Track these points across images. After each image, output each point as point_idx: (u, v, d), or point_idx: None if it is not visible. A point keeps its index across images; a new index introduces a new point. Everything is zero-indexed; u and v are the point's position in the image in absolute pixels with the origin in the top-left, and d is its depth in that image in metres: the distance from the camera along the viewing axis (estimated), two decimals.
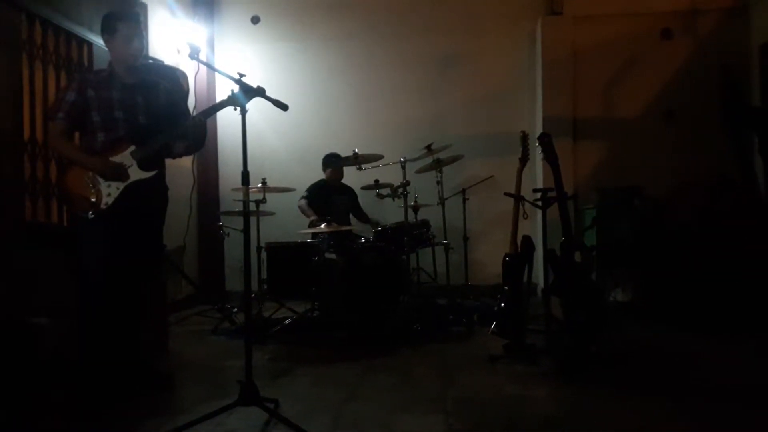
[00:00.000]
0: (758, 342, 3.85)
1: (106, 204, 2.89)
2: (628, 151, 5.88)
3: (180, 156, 3.19)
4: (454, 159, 5.09)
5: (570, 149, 5.82)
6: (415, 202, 4.93)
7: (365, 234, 5.04)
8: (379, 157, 4.97)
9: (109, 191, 2.91)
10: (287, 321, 4.51)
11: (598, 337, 3.40)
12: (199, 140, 3.12)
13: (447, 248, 5.11)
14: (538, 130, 5.61)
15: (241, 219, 2.74)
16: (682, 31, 5.91)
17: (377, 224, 5.13)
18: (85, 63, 4.34)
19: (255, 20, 6.54)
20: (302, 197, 5.15)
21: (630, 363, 3.53)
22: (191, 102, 5.24)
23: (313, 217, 4.88)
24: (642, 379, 3.19)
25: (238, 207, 4.95)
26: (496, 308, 3.69)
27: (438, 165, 5.04)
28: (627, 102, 5.98)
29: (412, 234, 4.68)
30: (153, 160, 3.02)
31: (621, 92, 5.99)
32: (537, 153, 3.76)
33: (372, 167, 4.91)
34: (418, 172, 5.15)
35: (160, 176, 3.13)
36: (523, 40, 6.25)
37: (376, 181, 4.91)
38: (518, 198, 3.80)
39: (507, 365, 3.45)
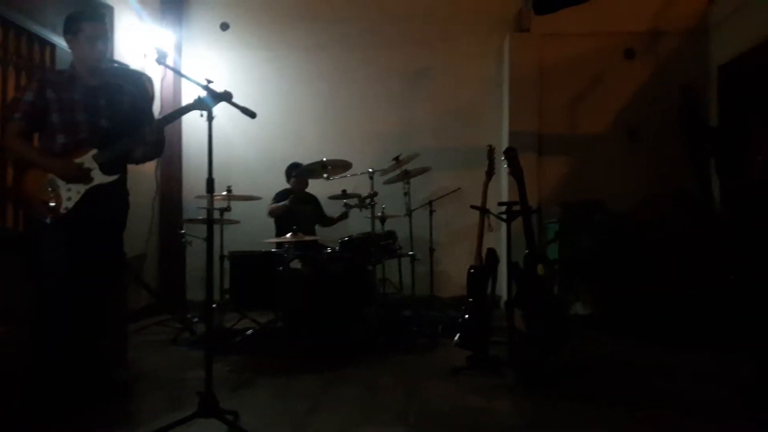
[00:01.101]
0: (715, 353, 3.94)
1: (66, 208, 2.82)
2: (591, 166, 6.01)
3: (140, 162, 3.12)
4: (422, 171, 5.12)
5: (535, 164, 5.92)
6: (382, 212, 4.93)
7: (331, 244, 5.02)
8: (348, 167, 4.97)
9: (69, 195, 2.84)
10: (249, 332, 4.45)
11: (560, 349, 3.44)
12: (157, 147, 3.07)
13: (413, 259, 5.12)
14: (505, 144, 5.70)
15: (204, 227, 2.69)
16: (644, 51, 6.10)
17: (346, 215, 5.14)
18: (48, 65, 4.24)
19: (224, 27, 6.40)
20: (271, 203, 5.12)
21: (591, 375, 3.58)
22: (157, 107, 5.15)
23: (284, 203, 4.89)
24: (602, 390, 3.24)
25: (202, 215, 4.86)
26: (460, 320, 3.70)
27: (406, 176, 5.06)
28: (590, 119, 6.12)
29: (379, 245, 4.68)
30: (115, 165, 2.96)
31: (585, 109, 6.14)
32: (503, 167, 3.81)
33: (340, 177, 4.89)
34: (386, 183, 5.16)
35: (122, 181, 3.07)
36: (492, 55, 6.35)
37: (344, 191, 4.90)
38: (484, 211, 3.84)
39: (470, 377, 3.47)
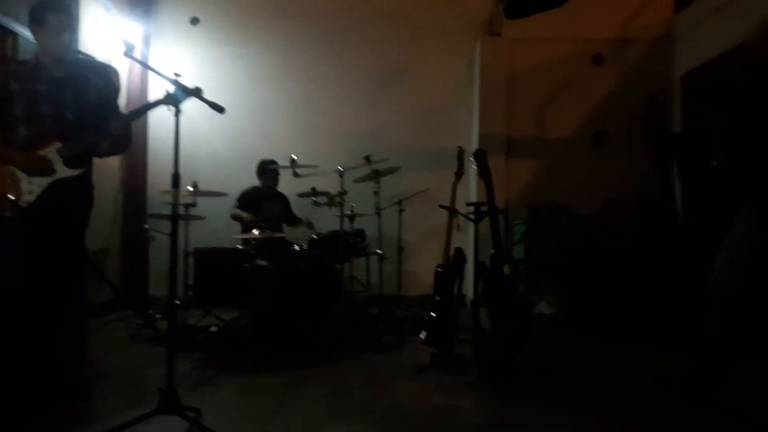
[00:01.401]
0: (675, 354, 4.02)
1: (27, 202, 2.75)
2: (558, 170, 6.11)
3: (105, 156, 3.05)
4: (392, 170, 5.13)
5: (503, 166, 5.98)
6: (352, 211, 4.93)
7: (299, 242, 4.99)
8: (317, 166, 4.95)
9: (31, 188, 2.76)
10: (213, 329, 4.40)
11: (524, 348, 3.49)
12: (124, 141, 3.01)
13: (381, 258, 5.13)
14: (474, 146, 5.75)
15: (168, 222, 2.65)
16: (612, 57, 6.21)
17: (309, 224, 5.13)
18: (10, 54, 4.12)
19: (194, 21, 6.39)
20: (233, 206, 5.05)
21: (553, 374, 3.64)
22: (123, 100, 5.05)
23: (247, 217, 4.79)
24: (565, 389, 3.29)
25: (167, 210, 4.75)
26: (426, 318, 3.73)
27: (375, 176, 5.06)
28: (558, 123, 6.21)
29: (347, 243, 4.68)
30: (80, 158, 2.89)
31: (553, 113, 6.23)
32: (472, 168, 3.85)
33: (309, 175, 4.87)
34: (356, 181, 5.16)
35: (87, 175, 3.00)
36: (463, 58, 6.39)
37: (313, 189, 4.88)
38: (452, 211, 3.87)
39: (435, 375, 3.49)
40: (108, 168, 5.50)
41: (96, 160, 3.08)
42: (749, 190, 2.79)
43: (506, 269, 3.66)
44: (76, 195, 2.94)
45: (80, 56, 3.29)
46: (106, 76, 3.10)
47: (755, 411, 2.88)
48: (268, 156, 5.25)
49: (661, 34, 6.17)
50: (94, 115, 2.89)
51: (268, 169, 5.15)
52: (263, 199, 5.14)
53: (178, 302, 4.07)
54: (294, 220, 5.39)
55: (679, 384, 2.97)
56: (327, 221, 5.31)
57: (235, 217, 5.01)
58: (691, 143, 5.67)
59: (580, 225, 5.28)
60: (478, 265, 3.65)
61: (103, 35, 5.49)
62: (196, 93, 2.49)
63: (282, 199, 5.38)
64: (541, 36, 6.14)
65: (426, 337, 3.64)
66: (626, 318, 4.60)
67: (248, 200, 5.08)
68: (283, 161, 4.91)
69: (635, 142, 5.94)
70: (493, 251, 3.59)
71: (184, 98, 2.47)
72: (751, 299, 2.71)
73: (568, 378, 3.58)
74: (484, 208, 3.73)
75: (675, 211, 5.80)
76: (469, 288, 4.56)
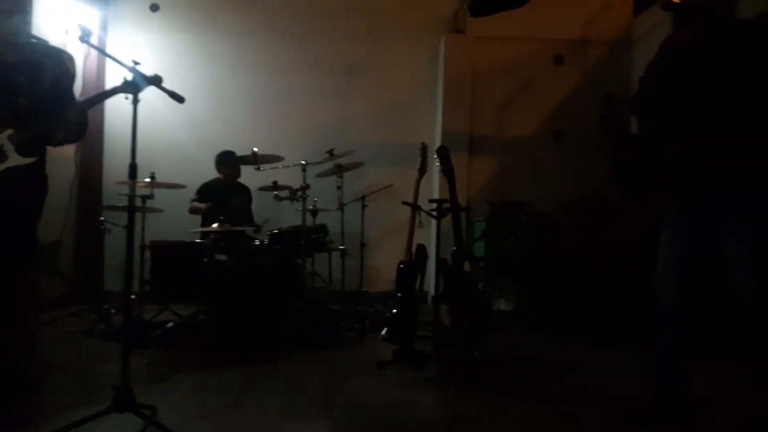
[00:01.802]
0: (627, 351, 4.13)
1: None
2: (519, 168, 6.19)
3: (60, 144, 2.95)
4: (355, 166, 5.12)
5: (466, 163, 6.03)
6: (314, 206, 4.89)
7: (260, 237, 4.94)
8: (279, 159, 4.89)
9: None
10: (170, 324, 4.31)
11: (483, 344, 3.53)
12: (79, 130, 2.92)
13: (343, 254, 5.11)
14: (437, 143, 5.77)
15: (124, 214, 2.58)
16: (572, 58, 6.32)
17: (258, 228, 5.09)
18: None
19: (154, 8, 6.23)
20: (192, 200, 4.96)
21: (511, 369, 3.69)
22: (78, 87, 4.88)
23: (205, 206, 4.71)
24: (522, 384, 3.35)
25: (123, 201, 4.63)
26: (387, 314, 3.73)
27: (339, 170, 5.04)
28: (520, 121, 6.30)
29: (309, 238, 4.64)
30: (33, 146, 2.79)
31: (515, 112, 6.30)
32: (435, 165, 3.87)
33: (271, 168, 4.82)
34: (319, 176, 5.12)
35: (40, 164, 2.89)
36: (428, 54, 6.41)
37: (275, 182, 4.81)
38: (415, 207, 3.88)
39: (396, 371, 3.50)
40: (63, 157, 5.32)
41: (50, 149, 2.98)
42: (669, 182, 2.75)
43: (467, 266, 3.70)
44: (28, 184, 2.84)
45: (34, 41, 3.16)
46: (61, 62, 2.99)
47: (717, 407, 2.94)
48: (229, 147, 5.17)
49: (619, 37, 6.31)
50: (48, 102, 2.80)
51: (227, 161, 5.06)
52: (225, 192, 5.05)
53: (133, 297, 3.97)
54: (250, 220, 5.26)
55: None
56: (289, 216, 5.27)
57: (194, 210, 4.92)
58: (646, 144, 5.82)
59: (539, 223, 5.37)
60: (440, 262, 3.68)
61: (58, 19, 5.30)
62: (155, 81, 2.42)
63: (245, 191, 5.30)
64: (504, 35, 6.20)
65: (387, 333, 3.65)
66: (582, 314, 4.70)
67: (209, 193, 4.99)
68: (245, 153, 4.84)
69: (594, 142, 6.07)
70: (454, 248, 3.62)
71: (143, 87, 2.40)
72: (686, 296, 2.71)
73: (526, 373, 3.64)
74: (447, 205, 3.75)
75: (630, 210, 5.94)
76: (430, 285, 4.59)
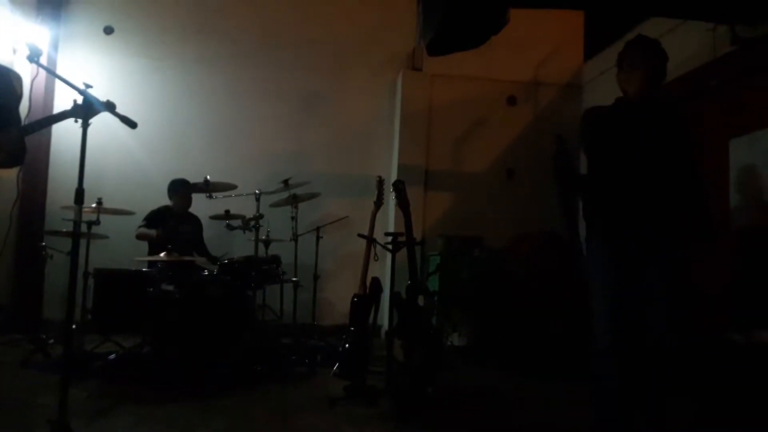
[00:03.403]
0: (579, 384, 4.16)
1: None
2: (473, 203, 6.29)
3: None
4: (311, 196, 5.09)
5: (421, 197, 6.10)
6: (267, 236, 4.80)
7: (209, 267, 4.81)
8: (233, 187, 4.82)
9: None
10: (112, 356, 4.11)
11: (435, 379, 3.51)
12: (15, 156, 2.79)
13: (296, 286, 5.03)
14: (393, 176, 5.83)
15: (68, 240, 2.48)
16: (525, 99, 6.54)
17: (218, 260, 4.93)
18: None
19: (108, 30, 6.08)
20: (139, 226, 4.80)
21: (463, 404, 3.68)
22: (24, 109, 4.72)
23: (153, 232, 4.57)
24: (474, 420, 3.34)
25: (67, 227, 4.49)
26: (340, 349, 3.67)
27: (294, 200, 5.00)
28: (474, 158, 6.43)
29: (261, 269, 4.53)
30: None
31: (469, 148, 6.44)
32: (391, 198, 3.88)
33: (224, 197, 4.73)
34: (273, 206, 5.07)
35: None
36: (386, 89, 6.51)
37: (227, 211, 4.71)
38: (370, 240, 3.87)
39: (347, 407, 3.43)
40: (4, 179, 5.10)
41: None
42: (596, 222, 3.04)
43: (421, 300, 3.69)
44: None
45: None
46: (7, 82, 2.88)
47: None
48: (181, 175, 5.05)
49: (570, 80, 6.57)
50: None
51: (180, 189, 4.95)
52: (174, 220, 4.92)
53: (74, 326, 3.79)
54: (205, 252, 5.16)
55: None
56: (240, 246, 5.16)
57: (141, 237, 4.76)
58: (594, 184, 6.02)
59: (493, 257, 5.44)
60: (394, 295, 3.67)
61: (5, 37, 5.14)
62: (110, 108, 2.36)
63: (195, 221, 5.17)
64: (460, 73, 6.37)
65: (338, 368, 3.58)
66: (535, 350, 4.73)
67: (157, 220, 4.84)
68: (196, 179, 4.75)
69: (544, 180, 6.22)
70: (408, 282, 3.61)
71: (96, 112, 2.34)
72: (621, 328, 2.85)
73: (478, 408, 3.63)
74: (402, 239, 3.76)
75: (580, 248, 6.09)
76: (384, 318, 4.55)
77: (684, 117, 2.83)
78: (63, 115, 2.42)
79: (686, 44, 4.72)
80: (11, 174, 5.25)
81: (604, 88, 6.05)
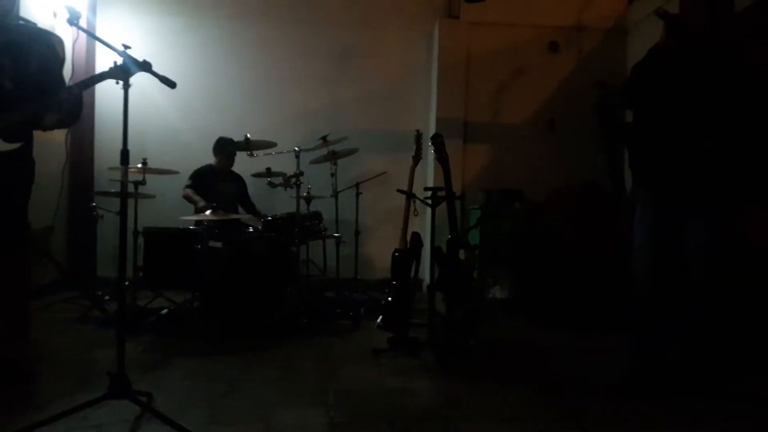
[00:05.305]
0: (614, 337, 4.14)
1: None
2: (513, 155, 6.18)
3: (51, 129, 2.89)
4: (350, 152, 5.09)
5: (460, 151, 6.02)
6: (308, 193, 4.85)
7: (254, 223, 4.90)
8: (272, 145, 4.86)
9: None
10: (164, 311, 4.29)
11: (477, 331, 3.54)
12: (74, 114, 2.87)
13: (338, 241, 5.09)
14: (432, 130, 5.75)
15: (117, 200, 2.55)
16: (567, 45, 6.29)
17: (265, 217, 5.02)
18: None
19: None
20: (185, 186, 4.90)
21: (505, 357, 3.71)
22: (67, 71, 4.82)
23: (201, 203, 4.66)
24: (515, 371, 3.36)
25: (115, 187, 4.63)
26: (383, 302, 3.73)
27: (333, 157, 5.00)
28: (514, 109, 6.27)
29: (304, 225, 4.61)
30: (19, 131, 2.73)
31: (509, 99, 6.28)
32: (429, 152, 3.84)
33: (264, 155, 4.77)
34: (313, 162, 5.09)
35: (26, 149, 2.84)
36: (421, 39, 6.36)
37: (268, 169, 4.76)
38: (410, 195, 3.86)
39: (390, 358, 3.51)
40: (53, 142, 5.27)
41: (40, 134, 2.93)
42: (645, 175, 2.94)
43: (462, 254, 3.69)
44: (13, 170, 2.78)
45: (22, 23, 3.09)
46: (50, 45, 2.93)
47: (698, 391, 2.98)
48: (221, 132, 5.12)
49: (614, 24, 6.28)
50: (35, 86, 2.74)
51: (226, 148, 5.01)
52: (218, 179, 5.01)
53: (127, 283, 3.94)
54: (251, 207, 5.25)
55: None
56: (282, 203, 5.23)
57: (188, 198, 4.87)
58: (641, 133, 5.83)
59: (533, 210, 5.38)
60: (435, 250, 3.68)
61: (46, 2, 5.21)
62: (146, 67, 2.38)
63: (237, 179, 5.25)
64: (498, 21, 6.17)
65: (382, 321, 3.65)
66: (575, 303, 4.71)
67: (202, 179, 4.94)
68: (237, 138, 4.80)
69: (587, 130, 6.06)
70: (449, 236, 3.61)
71: (134, 72, 2.36)
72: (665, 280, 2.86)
73: (518, 360, 3.66)
74: (442, 193, 3.74)
75: (624, 199, 5.96)
76: (425, 272, 4.58)
77: (749, 59, 2.70)
78: (103, 76, 2.44)
79: None
80: (60, 137, 5.42)
81: (651, 30, 5.77)
